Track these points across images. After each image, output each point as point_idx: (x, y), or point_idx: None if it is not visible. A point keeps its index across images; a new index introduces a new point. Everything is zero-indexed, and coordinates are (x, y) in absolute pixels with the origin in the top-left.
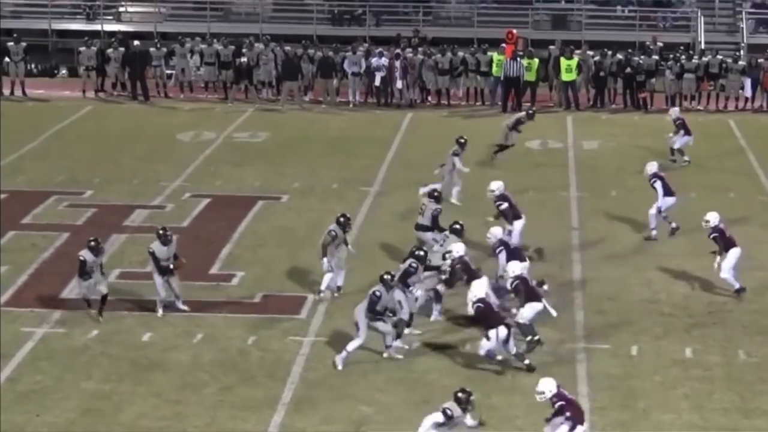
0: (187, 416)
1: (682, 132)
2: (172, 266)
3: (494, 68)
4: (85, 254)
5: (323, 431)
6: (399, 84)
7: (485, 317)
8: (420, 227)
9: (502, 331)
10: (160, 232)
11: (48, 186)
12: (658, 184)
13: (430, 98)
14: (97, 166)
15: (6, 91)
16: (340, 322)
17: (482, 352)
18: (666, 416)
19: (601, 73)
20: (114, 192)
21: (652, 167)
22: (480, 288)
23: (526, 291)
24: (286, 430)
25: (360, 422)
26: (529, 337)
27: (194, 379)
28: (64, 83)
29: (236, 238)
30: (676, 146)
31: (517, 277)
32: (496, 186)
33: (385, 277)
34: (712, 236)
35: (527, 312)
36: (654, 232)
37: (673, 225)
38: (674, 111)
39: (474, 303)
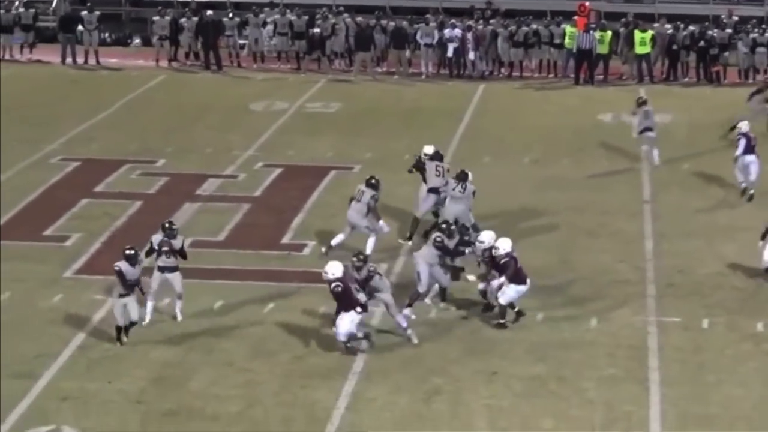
0: (258, 384)
1: None
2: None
3: (567, 41)
4: (122, 265)
5: (393, 401)
6: (471, 56)
7: (345, 298)
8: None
9: (357, 311)
10: (166, 225)
11: (121, 154)
12: (742, 141)
13: (502, 70)
14: (169, 135)
15: (80, 60)
16: (410, 292)
17: (342, 337)
18: (737, 390)
19: (674, 46)
20: (186, 161)
21: (744, 126)
22: (337, 267)
23: (515, 270)
24: (357, 399)
25: (430, 392)
26: (501, 321)
27: (265, 348)
28: (137, 52)
29: (308, 207)
30: None
31: (508, 254)
32: (430, 150)
33: (354, 260)
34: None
35: (511, 292)
36: (743, 185)
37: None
38: None
39: (333, 282)
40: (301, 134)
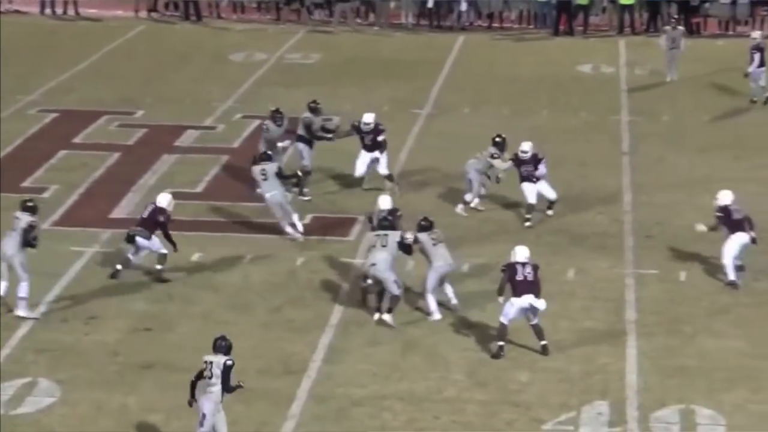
0: (235, 337)
1: None
2: None
3: None
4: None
5: (370, 353)
6: (463, 6)
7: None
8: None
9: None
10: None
11: (99, 106)
12: (757, 56)
13: (480, 21)
14: (148, 86)
15: (59, 10)
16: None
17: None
18: (713, 342)
19: None
20: (165, 112)
21: (756, 34)
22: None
23: (511, 282)
24: (334, 351)
25: (408, 344)
26: (499, 344)
27: (243, 300)
28: (116, 2)
29: (286, 159)
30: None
31: (506, 265)
32: (370, 119)
33: None
34: (716, 214)
35: (509, 310)
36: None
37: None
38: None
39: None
40: (281, 85)
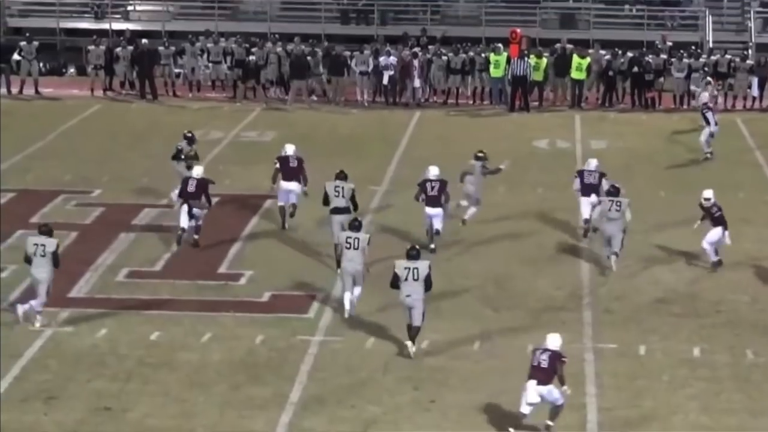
0: (195, 415)
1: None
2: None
3: (492, 69)
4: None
5: (331, 430)
6: (417, 83)
7: None
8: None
9: None
10: None
11: (56, 185)
12: (710, 114)
13: (435, 97)
14: (105, 165)
15: (15, 90)
16: (349, 321)
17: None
18: (674, 416)
19: (610, 73)
20: (122, 191)
21: (704, 97)
22: None
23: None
24: (295, 429)
25: (368, 422)
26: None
27: (202, 378)
28: (72, 82)
29: (244, 237)
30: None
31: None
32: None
33: None
34: (712, 211)
35: (523, 395)
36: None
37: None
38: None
39: None
40: (237, 164)
